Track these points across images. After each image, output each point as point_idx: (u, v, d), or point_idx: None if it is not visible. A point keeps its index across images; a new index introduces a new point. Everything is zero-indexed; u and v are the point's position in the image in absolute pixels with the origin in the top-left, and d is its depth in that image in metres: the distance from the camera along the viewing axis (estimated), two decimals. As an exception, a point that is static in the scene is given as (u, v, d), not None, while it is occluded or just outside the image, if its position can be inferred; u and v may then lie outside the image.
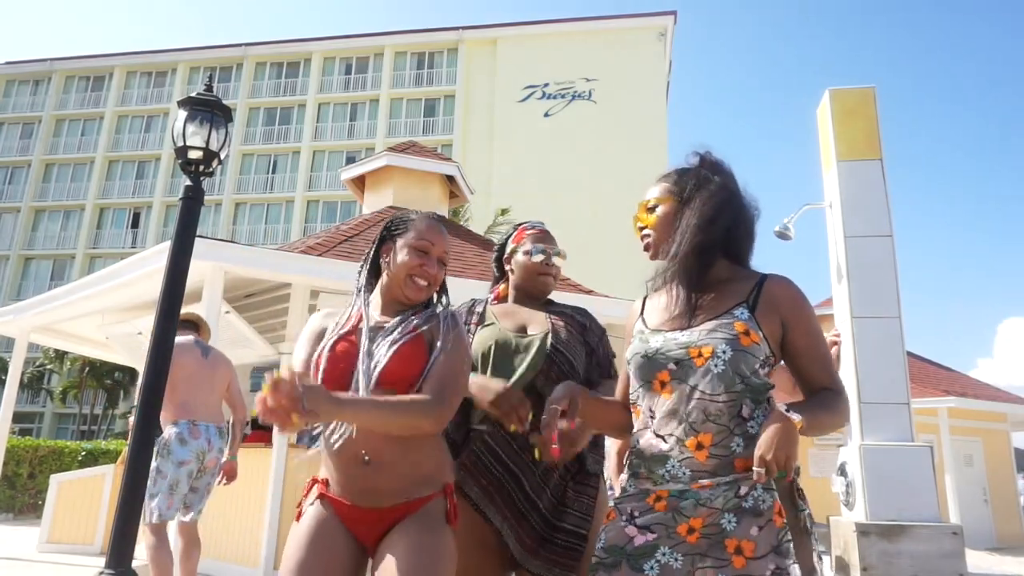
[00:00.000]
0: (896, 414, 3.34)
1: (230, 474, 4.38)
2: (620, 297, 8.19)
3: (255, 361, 8.70)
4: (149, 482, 4.04)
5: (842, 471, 3.40)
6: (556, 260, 2.28)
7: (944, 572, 2.94)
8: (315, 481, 1.77)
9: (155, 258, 6.59)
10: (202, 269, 6.15)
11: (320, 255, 7.24)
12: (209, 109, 4.52)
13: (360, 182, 9.92)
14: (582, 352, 2.13)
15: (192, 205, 4.44)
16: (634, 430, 1.65)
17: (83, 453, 14.24)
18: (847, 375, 3.42)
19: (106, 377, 33.78)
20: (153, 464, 4.07)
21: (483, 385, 1.92)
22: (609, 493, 3.00)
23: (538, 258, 2.23)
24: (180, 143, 4.49)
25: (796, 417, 1.44)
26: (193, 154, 4.47)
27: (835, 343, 3.32)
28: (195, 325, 4.63)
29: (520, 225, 2.38)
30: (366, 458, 1.68)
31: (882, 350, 3.41)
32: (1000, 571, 9.72)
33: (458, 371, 1.77)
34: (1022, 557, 12.22)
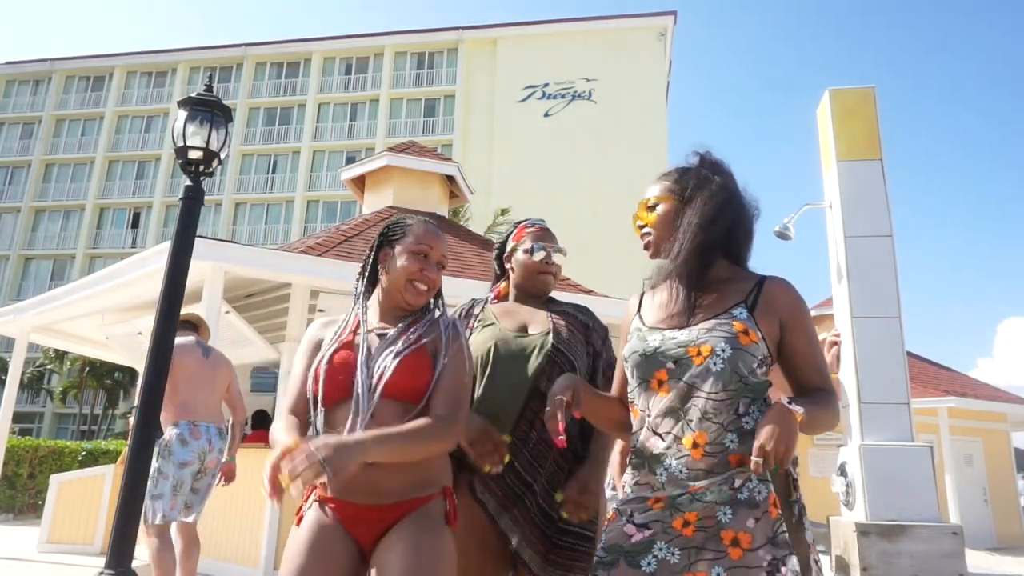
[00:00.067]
0: (896, 414, 3.34)
1: (228, 475, 4.38)
2: (620, 297, 8.19)
3: (255, 361, 8.70)
4: (151, 483, 4.03)
5: (842, 471, 3.40)
6: (557, 258, 2.26)
7: (944, 572, 2.94)
8: (311, 488, 1.77)
9: (155, 258, 6.59)
10: (202, 269, 6.15)
11: (320, 255, 7.24)
12: (209, 109, 4.52)
13: (360, 182, 9.93)
14: (583, 351, 2.12)
15: (192, 205, 4.44)
16: (634, 428, 1.65)
17: (83, 453, 14.24)
18: (847, 375, 3.42)
19: (106, 377, 33.79)
20: (154, 465, 4.06)
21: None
22: (612, 493, 2.99)
23: (538, 256, 2.21)
24: (180, 143, 4.49)
25: (798, 409, 1.45)
26: (193, 154, 4.47)
27: (835, 343, 3.32)
28: (194, 326, 4.62)
29: (520, 223, 2.36)
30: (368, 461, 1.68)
31: (882, 350, 3.40)
32: (1000, 571, 9.72)
33: (464, 384, 1.79)
34: (1022, 557, 12.22)
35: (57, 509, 7.85)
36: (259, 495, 6.24)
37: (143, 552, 4.16)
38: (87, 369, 32.99)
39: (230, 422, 4.49)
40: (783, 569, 1.43)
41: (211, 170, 4.55)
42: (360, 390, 1.71)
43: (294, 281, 7.21)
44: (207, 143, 4.47)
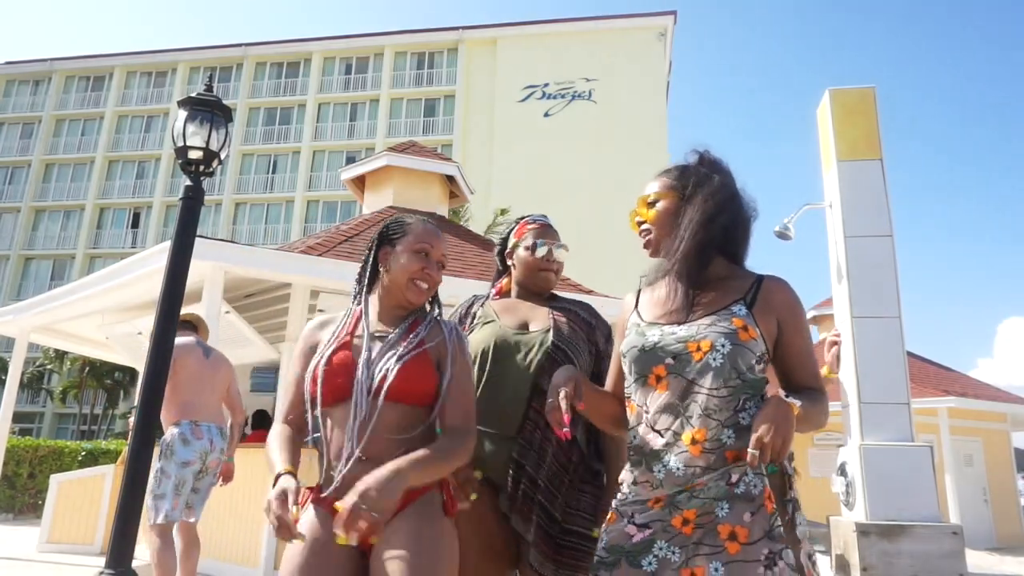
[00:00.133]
0: (896, 414, 3.34)
1: (226, 475, 4.37)
2: (620, 297, 8.18)
3: (255, 361, 8.70)
4: (153, 483, 4.03)
5: (842, 471, 3.40)
6: (559, 254, 2.23)
7: (944, 572, 2.94)
8: (308, 491, 1.77)
9: (155, 258, 6.59)
10: (202, 269, 6.15)
11: (320, 255, 7.24)
12: (209, 109, 4.52)
13: (360, 182, 9.93)
14: (585, 349, 2.10)
15: (192, 205, 4.44)
16: (630, 424, 1.65)
17: (83, 453, 14.24)
18: (847, 375, 3.42)
19: (106, 377, 33.78)
20: (157, 465, 4.07)
21: None
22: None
23: (540, 252, 2.19)
24: (180, 143, 4.49)
25: (795, 402, 1.45)
26: (193, 154, 4.47)
27: (835, 343, 3.32)
28: (194, 326, 4.62)
29: (522, 219, 2.33)
30: (361, 457, 1.68)
31: (882, 350, 3.40)
32: (1000, 571, 9.72)
33: (471, 392, 1.82)
34: (1022, 557, 12.22)
35: (57, 509, 7.85)
36: (259, 495, 6.24)
37: (143, 552, 4.16)
38: (87, 369, 32.98)
39: (229, 422, 4.49)
40: (780, 563, 1.43)
41: (211, 170, 4.55)
42: (359, 392, 1.70)
43: (294, 281, 7.21)
44: (207, 143, 4.47)
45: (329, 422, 1.76)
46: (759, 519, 1.46)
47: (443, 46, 40.00)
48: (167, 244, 4.73)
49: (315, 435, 1.84)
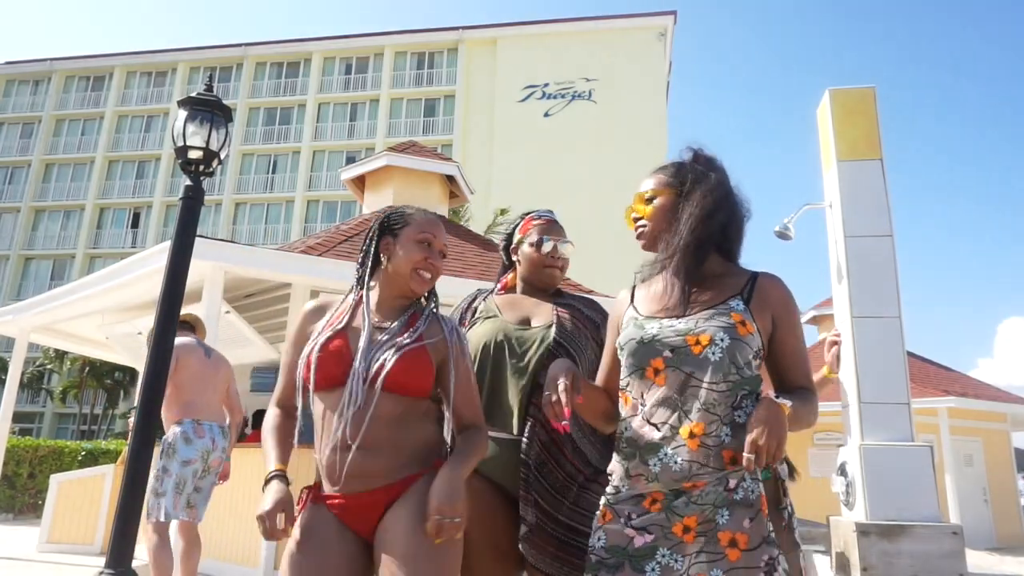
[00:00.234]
0: (896, 414, 3.34)
1: (224, 475, 4.38)
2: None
3: (255, 361, 8.70)
4: (155, 482, 4.04)
5: (842, 471, 3.39)
6: (564, 250, 2.22)
7: (944, 572, 2.94)
8: (306, 490, 1.77)
9: (155, 258, 6.59)
10: (202, 269, 6.15)
11: (320, 255, 7.24)
12: (209, 109, 4.52)
13: (360, 182, 9.92)
14: (588, 346, 2.08)
15: (192, 205, 4.44)
16: (624, 415, 1.64)
17: (83, 453, 14.24)
18: (847, 375, 3.42)
19: (106, 377, 33.78)
20: (159, 463, 4.07)
21: None
22: None
23: (545, 249, 2.18)
24: (180, 143, 4.49)
25: (786, 402, 1.46)
26: (193, 154, 4.47)
27: (835, 343, 3.32)
28: (191, 326, 4.62)
29: (527, 214, 2.31)
30: (351, 443, 1.68)
31: (882, 350, 3.40)
32: (1000, 571, 9.72)
33: (475, 387, 1.88)
34: (1022, 557, 12.23)
35: (57, 509, 7.85)
36: (259, 495, 6.22)
37: (143, 552, 4.16)
38: (87, 369, 32.98)
39: (228, 422, 4.49)
40: (779, 568, 1.44)
41: (211, 170, 4.55)
42: (355, 381, 1.70)
43: (294, 281, 7.21)
44: (207, 143, 4.47)
45: (321, 408, 1.76)
46: (757, 524, 1.46)
47: (443, 46, 39.99)
48: (167, 244, 4.73)
49: (305, 437, 1.85)
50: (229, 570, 6.16)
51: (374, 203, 9.70)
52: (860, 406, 3.36)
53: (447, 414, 1.83)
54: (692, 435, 1.51)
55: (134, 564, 3.96)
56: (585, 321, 2.13)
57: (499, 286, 2.30)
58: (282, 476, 1.74)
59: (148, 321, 4.64)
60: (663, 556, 1.50)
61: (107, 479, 7.91)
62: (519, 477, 1.96)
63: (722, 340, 1.53)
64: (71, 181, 41.11)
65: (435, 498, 1.63)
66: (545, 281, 2.20)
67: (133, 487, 3.94)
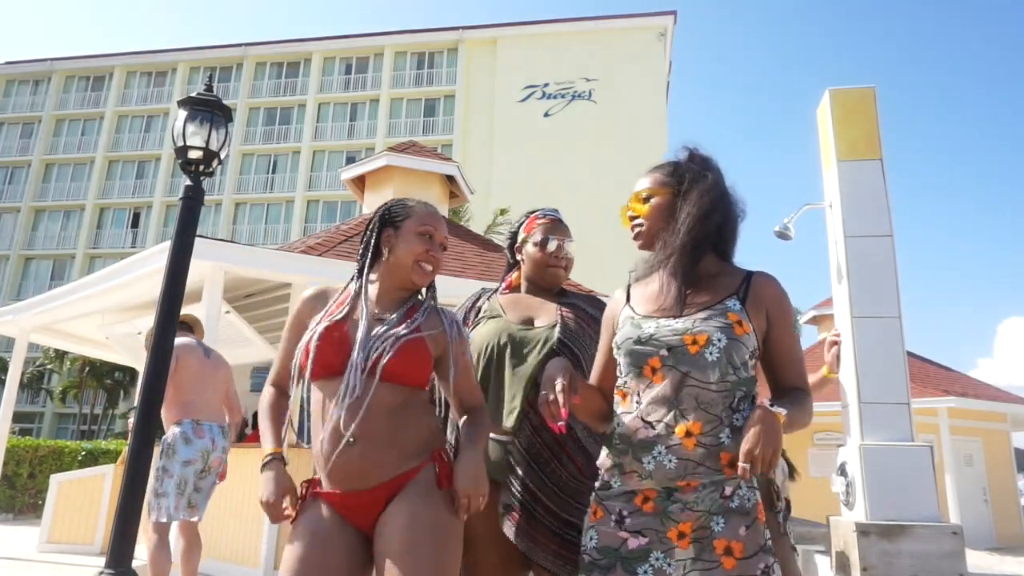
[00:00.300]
0: (896, 414, 3.34)
1: (221, 475, 4.38)
2: (620, 297, 8.17)
3: (255, 361, 8.70)
4: (156, 482, 4.04)
5: (842, 471, 3.39)
6: (568, 249, 2.21)
7: (944, 572, 2.94)
8: (307, 484, 1.78)
9: (155, 258, 6.59)
10: (202, 269, 6.15)
11: (320, 255, 7.24)
12: (209, 109, 4.52)
13: (360, 182, 9.92)
14: (592, 345, 2.06)
15: (192, 205, 4.44)
16: (618, 412, 1.65)
17: (83, 453, 14.23)
18: (847, 375, 3.42)
19: (106, 377, 33.77)
20: (158, 463, 4.07)
21: None
22: None
23: (550, 247, 2.17)
24: (180, 143, 4.49)
25: (781, 411, 1.46)
26: (193, 154, 4.47)
27: (835, 343, 3.31)
28: (189, 326, 4.62)
29: (532, 213, 2.29)
30: (351, 439, 1.68)
31: (882, 350, 3.40)
32: (1000, 571, 9.72)
33: (474, 373, 1.94)
34: (1022, 557, 12.23)
35: (57, 509, 7.85)
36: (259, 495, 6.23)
37: (143, 552, 4.15)
38: (87, 369, 32.98)
39: (228, 422, 4.49)
40: None
41: (211, 170, 4.55)
42: (353, 371, 1.71)
43: (294, 281, 7.21)
44: (207, 143, 4.47)
45: (319, 397, 1.77)
46: (753, 532, 1.47)
47: (443, 46, 39.98)
48: (167, 244, 4.73)
49: (302, 438, 1.86)
50: (229, 570, 6.16)
51: (374, 203, 9.70)
52: (860, 406, 3.35)
53: (448, 400, 1.90)
54: (688, 434, 1.51)
55: (134, 564, 3.96)
56: (589, 320, 2.12)
57: (504, 285, 2.29)
58: (280, 457, 1.79)
59: (148, 321, 4.64)
60: (656, 559, 1.50)
61: (107, 479, 7.91)
62: (515, 470, 1.95)
63: (719, 340, 1.54)
64: (71, 181, 41.10)
65: (462, 483, 1.71)
66: (549, 280, 2.19)
67: (133, 487, 3.94)
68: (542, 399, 1.57)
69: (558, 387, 1.56)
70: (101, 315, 8.51)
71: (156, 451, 4.16)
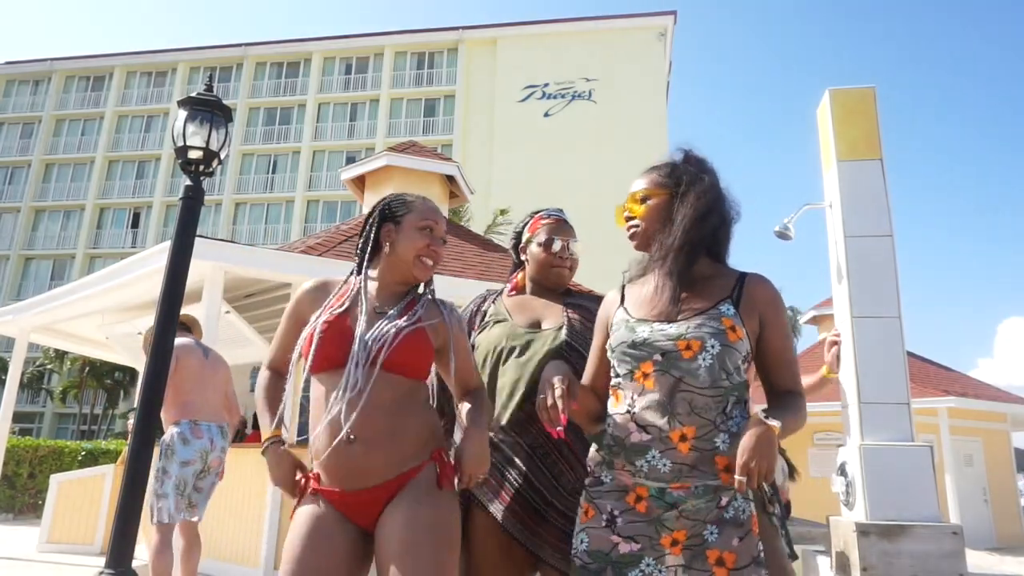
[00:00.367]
0: (896, 414, 3.33)
1: (219, 473, 4.38)
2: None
3: (255, 361, 8.69)
4: (156, 483, 4.04)
5: (842, 471, 3.39)
6: (573, 249, 2.20)
7: (944, 572, 2.94)
8: (306, 479, 1.78)
9: (155, 258, 6.60)
10: (202, 269, 6.15)
11: (320, 255, 7.24)
12: (209, 109, 4.52)
13: (360, 182, 9.92)
14: None
15: (192, 205, 4.44)
16: (611, 412, 1.65)
17: (83, 453, 14.24)
18: (847, 375, 3.42)
19: (106, 377, 33.77)
20: (158, 464, 4.07)
21: None
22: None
23: (555, 248, 2.16)
24: (180, 143, 4.49)
25: (776, 423, 1.46)
26: (193, 154, 4.47)
27: (835, 343, 3.31)
28: (187, 327, 4.62)
29: (536, 213, 2.28)
30: (351, 437, 1.68)
31: (882, 350, 3.40)
32: (1000, 571, 9.72)
33: (473, 358, 1.99)
34: (1022, 557, 12.22)
35: (57, 509, 7.85)
36: (259, 495, 6.24)
37: (143, 552, 4.15)
38: (87, 369, 32.98)
39: (227, 423, 4.49)
40: None
41: (211, 170, 4.55)
42: (354, 362, 1.71)
43: (294, 281, 7.20)
44: (207, 143, 4.46)
45: (319, 391, 1.77)
46: (746, 544, 1.47)
47: (443, 46, 39.98)
48: (167, 244, 4.73)
49: (302, 438, 1.88)
50: (229, 570, 6.16)
51: (374, 203, 9.69)
52: (860, 406, 3.35)
53: (449, 387, 1.93)
54: (683, 438, 1.52)
55: (134, 564, 3.95)
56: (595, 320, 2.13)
57: (510, 286, 2.28)
58: (280, 440, 1.82)
59: (148, 321, 4.64)
60: (647, 566, 1.51)
61: (107, 479, 7.91)
62: (520, 467, 1.95)
63: (713, 347, 1.54)
64: (71, 181, 41.10)
65: (467, 462, 1.73)
66: (553, 281, 2.18)
67: (133, 487, 3.94)
68: (540, 403, 1.57)
69: (557, 392, 1.56)
70: (101, 315, 8.51)
71: (156, 452, 4.16)
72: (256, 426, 7.93)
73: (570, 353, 1.99)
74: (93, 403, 35.76)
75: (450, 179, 9.84)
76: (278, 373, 1.96)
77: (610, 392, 1.67)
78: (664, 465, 1.52)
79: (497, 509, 1.93)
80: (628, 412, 1.59)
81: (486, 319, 2.18)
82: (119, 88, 42.14)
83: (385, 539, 1.65)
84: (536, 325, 2.09)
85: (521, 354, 2.02)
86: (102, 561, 3.98)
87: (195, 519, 4.18)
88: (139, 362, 7.71)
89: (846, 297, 3.47)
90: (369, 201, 9.91)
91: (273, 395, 1.90)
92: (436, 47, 40.16)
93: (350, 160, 27.60)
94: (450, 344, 1.84)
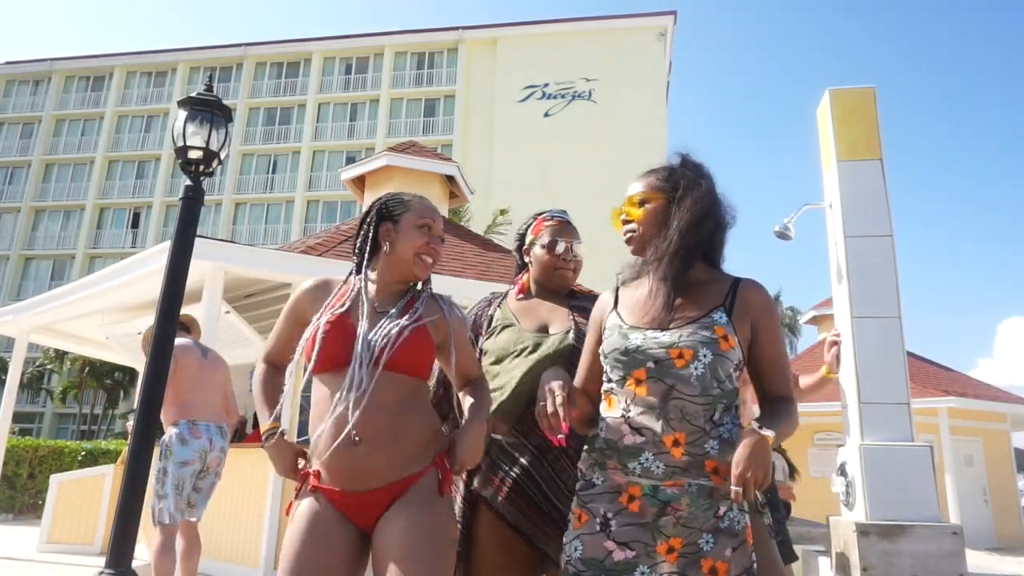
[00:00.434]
0: (896, 414, 3.33)
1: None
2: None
3: (255, 361, 8.69)
4: (156, 484, 4.04)
5: (842, 471, 3.39)
6: (577, 251, 2.20)
7: (944, 572, 2.94)
8: (307, 475, 1.78)
9: (155, 258, 6.60)
10: (202, 269, 6.15)
11: (320, 255, 7.24)
12: (209, 109, 4.52)
13: (360, 182, 9.92)
14: None
15: (192, 205, 4.44)
16: (603, 415, 1.65)
17: (83, 453, 14.24)
18: (847, 375, 3.42)
19: (106, 377, 33.78)
20: (158, 465, 4.07)
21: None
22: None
23: (558, 249, 2.16)
24: (180, 143, 4.49)
25: (770, 434, 1.48)
26: (193, 154, 4.47)
27: (835, 343, 3.31)
28: (186, 327, 4.62)
29: (540, 215, 2.28)
30: (356, 438, 1.68)
31: (882, 350, 3.40)
32: (1000, 571, 9.72)
33: (472, 349, 2.01)
34: (1022, 557, 12.23)
35: (57, 509, 7.85)
36: (259, 495, 6.24)
37: (143, 552, 4.15)
38: (87, 369, 32.98)
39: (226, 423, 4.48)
40: None
41: (211, 170, 4.55)
42: (358, 362, 1.71)
43: (294, 281, 7.20)
44: (207, 143, 4.47)
45: (322, 392, 1.77)
46: (740, 555, 1.48)
47: (443, 46, 39.99)
48: (167, 244, 4.73)
49: (302, 439, 1.88)
50: (229, 570, 6.16)
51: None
52: (860, 406, 3.35)
53: (450, 378, 1.96)
54: (676, 443, 1.53)
55: (134, 564, 3.95)
56: None
57: (517, 288, 2.27)
58: (280, 431, 1.83)
59: (148, 321, 4.64)
60: (641, 574, 1.51)
61: (107, 479, 7.91)
62: (524, 466, 1.95)
63: (705, 356, 1.55)
64: (71, 181, 41.10)
65: (461, 452, 1.76)
66: (557, 283, 2.19)
67: (133, 487, 3.94)
68: (540, 411, 1.57)
69: (558, 400, 1.57)
70: (101, 315, 8.51)
71: (156, 452, 4.16)
72: (256, 425, 7.93)
73: (576, 358, 1.98)
74: (93, 403, 35.77)
75: (450, 179, 9.84)
76: (275, 366, 1.97)
77: (603, 397, 1.68)
78: (658, 467, 1.53)
79: (504, 507, 1.93)
80: (622, 416, 1.60)
81: (493, 324, 2.18)
82: (119, 88, 42.14)
83: (386, 542, 1.65)
84: (543, 329, 2.09)
85: (529, 359, 2.01)
86: (102, 561, 3.98)
87: (194, 519, 4.18)
88: (139, 362, 7.71)
89: (846, 297, 3.47)
90: (369, 201, 9.91)
91: (271, 388, 1.92)
92: (436, 47, 40.16)
93: (350, 160, 27.62)
94: (451, 338, 1.85)
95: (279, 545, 5.90)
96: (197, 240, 4.64)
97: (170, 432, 4.14)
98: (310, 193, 38.64)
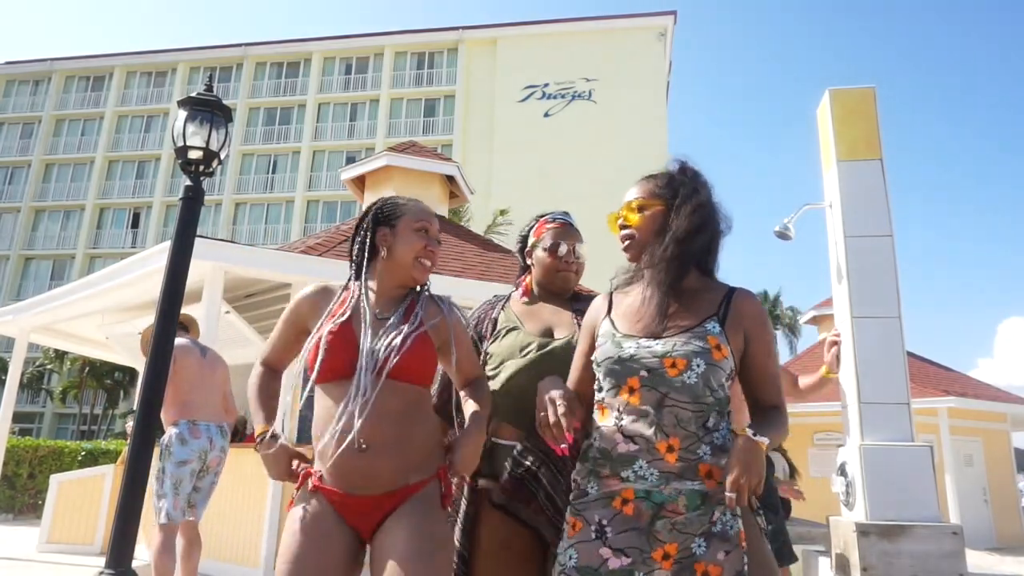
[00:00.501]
0: (896, 414, 3.33)
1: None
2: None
3: (255, 361, 8.69)
4: (157, 484, 4.04)
5: (842, 471, 3.39)
6: (579, 253, 2.19)
7: (944, 572, 2.94)
8: (307, 474, 1.77)
9: (155, 258, 6.60)
10: (202, 269, 6.15)
11: (320, 255, 7.24)
12: (209, 109, 4.52)
13: (360, 182, 9.92)
14: None
15: (192, 205, 4.44)
16: (597, 424, 1.66)
17: (83, 453, 14.24)
18: (847, 375, 3.42)
19: (106, 377, 33.78)
20: (158, 465, 4.07)
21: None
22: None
23: (561, 252, 2.15)
24: (180, 143, 4.49)
25: (763, 440, 1.49)
26: (193, 154, 4.47)
27: (835, 343, 3.31)
28: (185, 327, 4.61)
29: (542, 217, 2.28)
30: (362, 446, 1.68)
31: (882, 350, 3.40)
32: (1000, 571, 9.72)
33: (473, 349, 1.99)
34: (1022, 557, 12.22)
35: (57, 509, 7.85)
36: (259, 495, 6.24)
37: (143, 552, 4.15)
38: (87, 369, 32.98)
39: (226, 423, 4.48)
40: None
41: (211, 170, 4.55)
42: (363, 371, 1.71)
43: (294, 281, 7.21)
44: (207, 143, 4.47)
45: (325, 401, 1.76)
46: (732, 559, 1.50)
47: (443, 46, 39.98)
48: (167, 244, 4.73)
49: (301, 441, 1.88)
50: (229, 570, 6.16)
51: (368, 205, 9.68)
52: (860, 406, 3.35)
53: (451, 377, 1.96)
54: (670, 449, 1.54)
55: (134, 564, 3.95)
56: None
57: (521, 290, 2.27)
58: (273, 435, 1.81)
59: (148, 321, 4.64)
60: None
61: (107, 479, 7.91)
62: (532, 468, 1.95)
63: (698, 366, 1.56)
64: (71, 181, 41.10)
65: (459, 459, 1.76)
66: (559, 285, 2.18)
67: (133, 487, 3.94)
68: (542, 420, 1.57)
69: (560, 410, 1.58)
70: (101, 315, 8.51)
71: (156, 452, 4.16)
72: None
73: None
74: (93, 403, 35.76)
75: (450, 179, 9.84)
76: (272, 370, 1.96)
77: (595, 406, 1.69)
78: (652, 474, 1.54)
79: (510, 505, 1.93)
80: (615, 424, 1.60)
81: (497, 327, 2.17)
82: (119, 88, 42.14)
83: (386, 548, 1.65)
84: (548, 333, 2.09)
85: (535, 363, 2.01)
86: (102, 561, 3.98)
87: (194, 518, 4.18)
88: (139, 362, 7.71)
89: (846, 297, 3.47)
90: (369, 201, 9.89)
91: (267, 392, 1.90)
92: (436, 47, 40.16)
93: (350, 160, 27.60)
94: (451, 339, 1.85)
95: (279, 545, 5.90)
96: (197, 240, 4.64)
97: (170, 432, 4.14)
98: (310, 193, 38.65)
